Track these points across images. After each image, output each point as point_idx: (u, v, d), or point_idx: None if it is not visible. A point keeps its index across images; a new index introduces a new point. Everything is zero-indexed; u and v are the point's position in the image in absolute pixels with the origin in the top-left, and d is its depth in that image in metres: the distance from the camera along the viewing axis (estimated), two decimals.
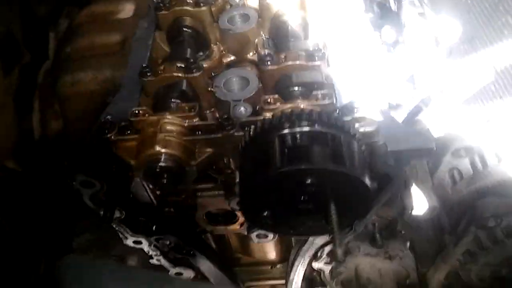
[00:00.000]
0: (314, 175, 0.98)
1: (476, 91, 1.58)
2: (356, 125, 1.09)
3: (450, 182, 1.49)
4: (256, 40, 1.45)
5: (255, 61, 1.43)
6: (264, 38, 1.45)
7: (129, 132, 1.17)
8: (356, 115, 1.09)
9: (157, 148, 1.13)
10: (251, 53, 1.46)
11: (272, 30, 1.48)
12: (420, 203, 1.39)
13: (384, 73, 1.43)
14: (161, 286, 0.59)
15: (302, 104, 1.13)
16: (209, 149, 1.18)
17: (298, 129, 1.02)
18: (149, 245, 1.51)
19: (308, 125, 1.02)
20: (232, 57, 1.48)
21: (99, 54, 1.60)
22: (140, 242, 1.51)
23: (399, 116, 1.33)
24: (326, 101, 1.13)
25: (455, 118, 1.46)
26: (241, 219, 1.53)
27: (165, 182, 1.18)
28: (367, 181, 1.04)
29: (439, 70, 1.59)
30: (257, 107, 1.22)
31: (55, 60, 1.71)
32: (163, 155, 1.13)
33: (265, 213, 1.09)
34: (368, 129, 1.10)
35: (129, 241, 1.50)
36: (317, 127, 1.03)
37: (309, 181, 0.98)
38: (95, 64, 1.59)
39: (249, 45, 1.45)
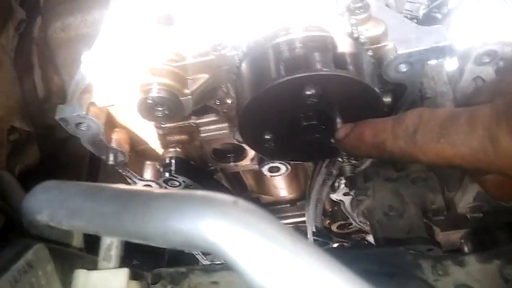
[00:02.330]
0: (316, 84, 0.88)
1: None
2: (361, 27, 0.97)
3: None
4: None
5: None
6: None
7: None
8: (360, 16, 0.97)
9: (146, 77, 1.05)
10: None
11: None
12: None
13: None
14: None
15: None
16: (203, 75, 1.09)
17: (294, 36, 0.91)
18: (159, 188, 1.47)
19: (305, 30, 0.92)
20: None
21: None
22: (150, 186, 1.46)
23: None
24: (323, 4, 1.01)
25: (475, 20, 1.31)
26: (251, 153, 1.46)
27: (160, 115, 1.12)
28: (377, 88, 0.93)
29: None
30: None
31: (44, 8, 1.63)
32: (153, 84, 1.05)
33: (267, 136, 1.01)
34: (375, 31, 0.98)
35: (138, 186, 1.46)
36: (315, 32, 0.92)
37: (310, 92, 0.89)
38: (83, 5, 1.50)
39: None
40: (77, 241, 0.76)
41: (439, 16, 1.69)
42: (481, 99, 0.74)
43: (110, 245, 0.68)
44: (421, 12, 1.70)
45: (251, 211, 0.46)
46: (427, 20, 1.74)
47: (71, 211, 0.55)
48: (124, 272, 0.67)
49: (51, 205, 0.57)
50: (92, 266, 0.73)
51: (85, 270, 0.68)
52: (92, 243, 0.79)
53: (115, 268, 0.68)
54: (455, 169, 1.40)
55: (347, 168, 0.92)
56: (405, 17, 1.74)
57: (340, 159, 1.01)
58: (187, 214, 0.45)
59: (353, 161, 0.94)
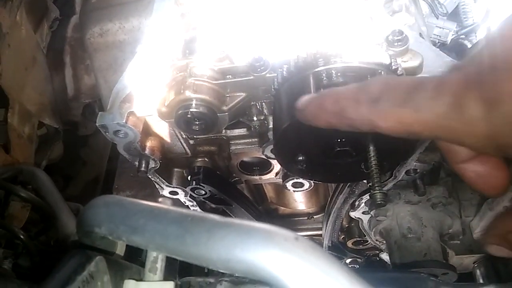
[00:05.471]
0: None
1: None
2: (398, 59, 1.00)
3: None
4: None
5: None
6: None
7: None
8: (399, 48, 1.01)
9: (188, 93, 1.09)
10: None
11: None
12: None
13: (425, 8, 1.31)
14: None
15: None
16: (241, 93, 1.13)
17: (334, 65, 0.95)
18: (185, 195, 1.51)
19: (344, 60, 0.95)
20: None
21: (126, 1, 1.55)
22: (176, 193, 1.51)
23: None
24: (362, 33, 1.05)
25: None
26: (276, 168, 1.50)
27: (197, 129, 1.16)
28: None
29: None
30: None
31: (82, 11, 1.68)
32: (194, 100, 1.09)
33: (300, 158, 1.05)
34: (412, 63, 1.02)
35: (165, 192, 1.50)
36: (355, 63, 0.95)
37: None
38: (122, 12, 1.54)
39: None
40: (120, 250, 0.80)
41: (467, 43, 1.73)
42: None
43: (156, 258, 0.72)
44: (449, 38, 1.74)
45: (313, 248, 0.49)
46: (455, 46, 1.77)
47: (133, 228, 0.58)
48: (171, 285, 0.71)
49: (112, 220, 0.61)
50: (137, 276, 0.78)
51: (134, 281, 0.72)
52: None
53: (160, 280, 0.72)
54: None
55: (378, 196, 0.96)
56: (434, 41, 1.77)
57: (369, 184, 1.04)
58: (253, 245, 0.48)
59: (384, 190, 0.97)
